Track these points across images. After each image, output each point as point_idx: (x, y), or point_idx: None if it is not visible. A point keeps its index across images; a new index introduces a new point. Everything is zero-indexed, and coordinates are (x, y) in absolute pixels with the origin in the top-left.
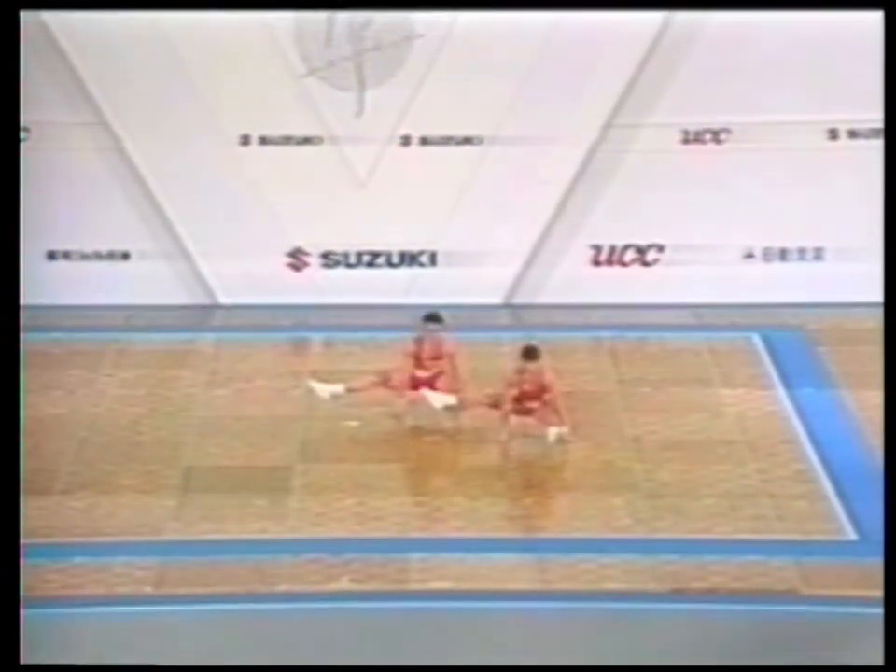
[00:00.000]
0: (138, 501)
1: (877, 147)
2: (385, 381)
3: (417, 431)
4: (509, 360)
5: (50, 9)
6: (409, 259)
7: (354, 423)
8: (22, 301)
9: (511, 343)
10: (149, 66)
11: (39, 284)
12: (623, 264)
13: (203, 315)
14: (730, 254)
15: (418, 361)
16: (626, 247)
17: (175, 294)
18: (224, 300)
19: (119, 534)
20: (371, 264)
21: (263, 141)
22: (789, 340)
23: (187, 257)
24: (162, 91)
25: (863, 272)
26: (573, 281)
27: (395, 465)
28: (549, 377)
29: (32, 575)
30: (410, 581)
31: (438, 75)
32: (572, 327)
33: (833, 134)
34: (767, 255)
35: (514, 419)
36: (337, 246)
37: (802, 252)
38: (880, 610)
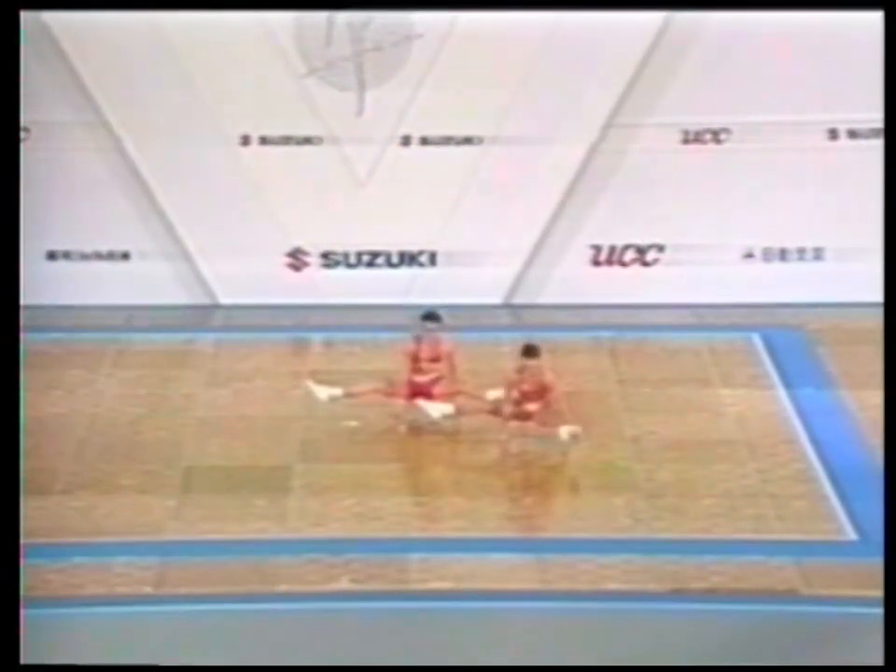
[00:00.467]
0: (138, 501)
1: (877, 147)
2: (384, 389)
3: (417, 431)
4: (509, 360)
5: (50, 9)
6: (409, 259)
7: (354, 423)
8: (22, 301)
9: (511, 343)
10: (149, 66)
11: (39, 284)
12: (623, 264)
13: (202, 315)
14: (730, 254)
15: (416, 362)
16: (626, 247)
17: (175, 294)
18: (224, 300)
19: (119, 534)
20: (370, 264)
21: (263, 141)
22: (789, 340)
23: (187, 257)
24: (162, 90)
25: (863, 272)
26: (573, 281)
27: (395, 465)
28: (549, 376)
29: (32, 575)
30: (410, 580)
31: (438, 75)
32: (572, 327)
33: (833, 134)
34: (767, 255)
35: (514, 424)
36: (337, 246)
37: (802, 252)
38: (880, 610)
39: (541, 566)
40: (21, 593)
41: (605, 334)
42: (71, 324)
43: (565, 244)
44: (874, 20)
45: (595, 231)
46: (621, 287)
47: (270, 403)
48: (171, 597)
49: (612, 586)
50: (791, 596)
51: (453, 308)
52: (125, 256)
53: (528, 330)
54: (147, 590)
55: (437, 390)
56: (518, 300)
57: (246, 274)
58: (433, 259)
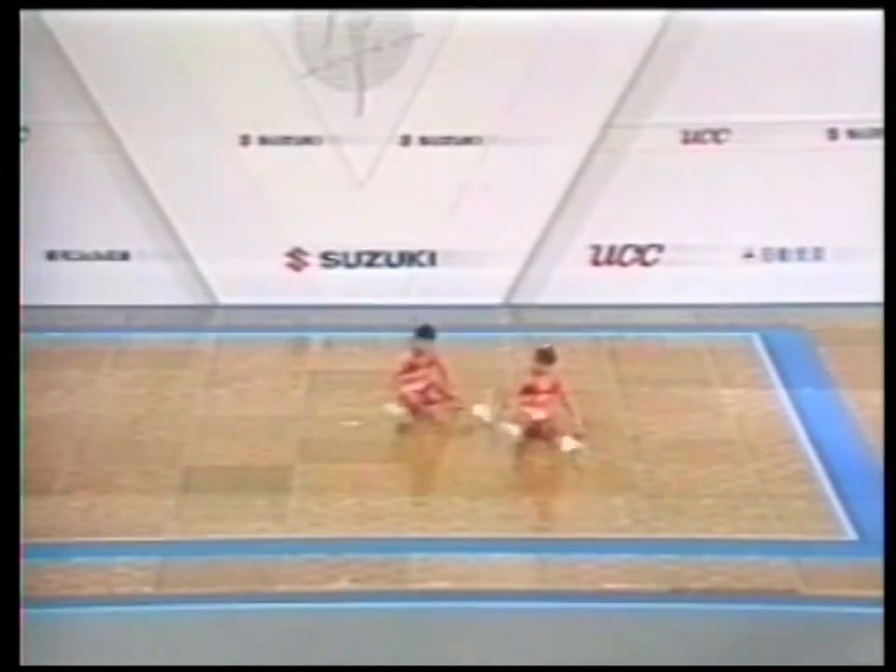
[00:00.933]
0: (138, 501)
1: (877, 146)
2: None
3: (417, 431)
4: (509, 361)
5: (50, 9)
6: (408, 258)
7: (354, 423)
8: (22, 301)
9: (511, 343)
10: (149, 66)
11: (39, 284)
12: (623, 264)
13: (202, 315)
14: (730, 254)
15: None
16: (626, 247)
17: (175, 294)
18: (224, 300)
19: (119, 534)
20: (370, 264)
21: (263, 141)
22: (789, 340)
23: (187, 257)
24: (162, 90)
25: (863, 272)
26: (573, 281)
27: (395, 465)
28: (563, 388)
29: (32, 575)
30: (409, 580)
31: (438, 75)
32: (572, 327)
33: (833, 134)
34: (767, 255)
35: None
36: (337, 246)
37: (802, 252)
38: (880, 610)
39: (541, 566)
40: (21, 593)
41: (605, 334)
42: (71, 324)
43: (565, 244)
44: (874, 20)
45: (595, 231)
46: (620, 286)
47: (270, 403)
48: (171, 597)
49: (612, 586)
50: (790, 596)
51: (453, 308)
52: (125, 256)
53: (528, 330)
54: (147, 590)
55: (432, 396)
56: (518, 300)
57: (246, 274)
58: (433, 258)
